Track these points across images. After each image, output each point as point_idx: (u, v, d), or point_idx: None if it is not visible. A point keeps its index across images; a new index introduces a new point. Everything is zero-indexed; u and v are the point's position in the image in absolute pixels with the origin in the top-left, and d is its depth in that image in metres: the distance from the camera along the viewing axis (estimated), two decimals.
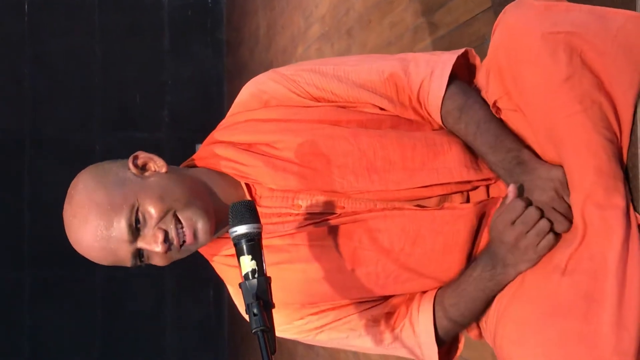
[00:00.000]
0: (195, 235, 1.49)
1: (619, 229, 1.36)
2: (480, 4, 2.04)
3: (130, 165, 1.55)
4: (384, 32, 2.86)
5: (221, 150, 1.61)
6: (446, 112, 1.54)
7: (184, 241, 1.49)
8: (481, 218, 1.58)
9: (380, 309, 1.67)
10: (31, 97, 6.20)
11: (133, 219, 1.47)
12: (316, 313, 1.65)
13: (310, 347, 4.08)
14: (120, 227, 1.47)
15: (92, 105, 6.29)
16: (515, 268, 1.45)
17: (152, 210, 1.48)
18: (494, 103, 1.51)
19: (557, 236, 1.42)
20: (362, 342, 1.68)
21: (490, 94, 1.52)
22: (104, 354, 6.24)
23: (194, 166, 1.66)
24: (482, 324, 1.60)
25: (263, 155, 1.57)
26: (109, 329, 6.23)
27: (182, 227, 1.49)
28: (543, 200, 1.41)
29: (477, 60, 1.64)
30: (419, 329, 1.60)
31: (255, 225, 1.36)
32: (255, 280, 1.33)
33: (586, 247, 1.38)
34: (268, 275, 1.35)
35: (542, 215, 1.41)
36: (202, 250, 1.66)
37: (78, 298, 6.15)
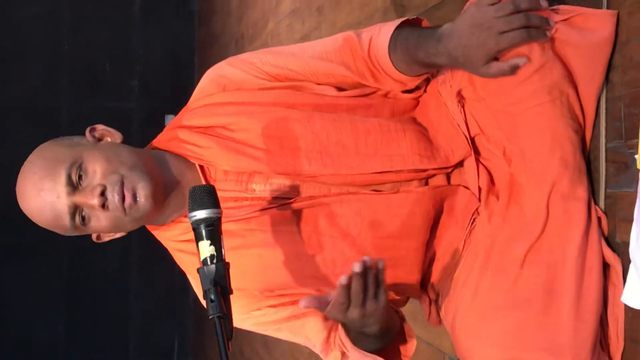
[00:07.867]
0: (135, 196, 1.48)
1: (581, 222, 1.37)
2: None
3: (87, 134, 1.59)
4: (354, 11, 2.84)
5: (178, 134, 1.61)
6: (393, 46, 1.48)
7: (124, 200, 1.47)
8: (440, 205, 1.57)
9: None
10: None
11: (73, 171, 1.48)
12: (274, 306, 1.63)
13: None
14: (60, 178, 1.48)
15: (59, 72, 6.19)
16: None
17: (96, 169, 1.49)
18: (459, 92, 1.49)
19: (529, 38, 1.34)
20: (317, 351, 1.67)
21: (454, 84, 1.50)
22: (68, 320, 6.18)
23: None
24: (442, 313, 1.60)
25: (218, 137, 1.56)
26: (73, 294, 6.17)
27: (122, 187, 1.48)
28: None
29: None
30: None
31: (215, 210, 1.34)
32: (213, 266, 1.32)
33: (546, 239, 1.39)
34: (227, 261, 1.34)
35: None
36: (157, 235, 1.64)
37: (43, 262, 6.06)
